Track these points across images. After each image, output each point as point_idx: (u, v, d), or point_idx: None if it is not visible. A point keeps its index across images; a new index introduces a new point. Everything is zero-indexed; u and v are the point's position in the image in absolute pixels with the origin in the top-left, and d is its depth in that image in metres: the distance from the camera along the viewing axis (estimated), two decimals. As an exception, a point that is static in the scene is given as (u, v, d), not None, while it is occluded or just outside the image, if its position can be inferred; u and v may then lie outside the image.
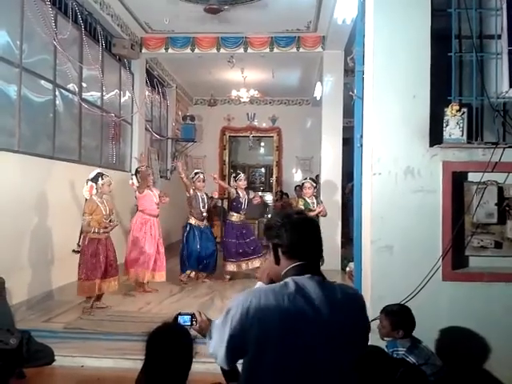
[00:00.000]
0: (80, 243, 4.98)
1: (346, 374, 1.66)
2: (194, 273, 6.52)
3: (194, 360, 1.89)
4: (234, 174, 7.23)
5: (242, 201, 6.81)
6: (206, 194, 6.67)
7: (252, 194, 7.07)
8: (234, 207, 6.85)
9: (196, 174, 6.66)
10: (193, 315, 2.08)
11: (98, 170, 5.25)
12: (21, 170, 4.89)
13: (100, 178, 5.04)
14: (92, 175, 5.08)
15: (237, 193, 6.79)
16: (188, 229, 6.51)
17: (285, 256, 1.75)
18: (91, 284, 4.88)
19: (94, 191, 5.01)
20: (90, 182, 5.03)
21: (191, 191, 6.42)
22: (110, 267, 5.07)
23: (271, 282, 1.82)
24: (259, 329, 1.60)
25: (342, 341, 1.65)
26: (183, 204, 6.95)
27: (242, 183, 6.90)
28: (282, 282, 1.70)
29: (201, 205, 6.44)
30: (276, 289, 1.67)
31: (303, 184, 6.52)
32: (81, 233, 5.07)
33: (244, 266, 6.77)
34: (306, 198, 6.37)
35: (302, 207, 6.19)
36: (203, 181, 6.60)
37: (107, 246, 5.06)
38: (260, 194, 12.73)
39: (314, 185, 6.48)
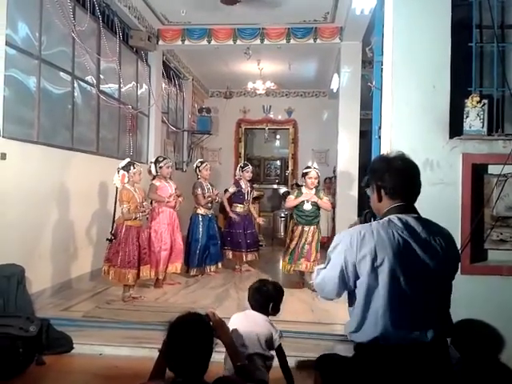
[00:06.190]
0: (113, 232, 5.01)
1: (446, 280, 1.98)
2: (196, 270, 6.37)
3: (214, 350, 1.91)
4: (241, 164, 7.26)
5: (244, 192, 6.87)
6: (211, 184, 6.68)
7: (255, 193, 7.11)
8: (237, 198, 6.90)
9: (202, 162, 6.68)
10: (206, 316, 2.11)
11: (128, 159, 5.25)
12: (40, 160, 4.96)
13: (132, 167, 5.06)
14: (123, 164, 5.08)
15: (238, 186, 6.85)
16: (195, 221, 6.42)
17: (387, 196, 2.00)
18: (127, 272, 4.93)
19: (126, 180, 5.02)
20: (121, 171, 5.02)
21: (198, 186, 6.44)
22: (144, 255, 5.12)
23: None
24: (375, 255, 1.84)
25: (441, 259, 1.90)
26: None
27: (248, 175, 6.97)
28: (386, 219, 1.94)
29: (206, 194, 6.43)
30: (384, 224, 1.91)
31: (307, 173, 5.82)
32: (113, 222, 5.10)
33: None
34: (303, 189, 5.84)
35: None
36: (209, 170, 6.63)
37: (139, 234, 5.10)
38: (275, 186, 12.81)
39: (319, 176, 5.87)
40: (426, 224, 1.96)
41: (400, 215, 1.93)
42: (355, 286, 1.92)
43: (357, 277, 1.89)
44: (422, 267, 1.86)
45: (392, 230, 1.88)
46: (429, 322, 1.88)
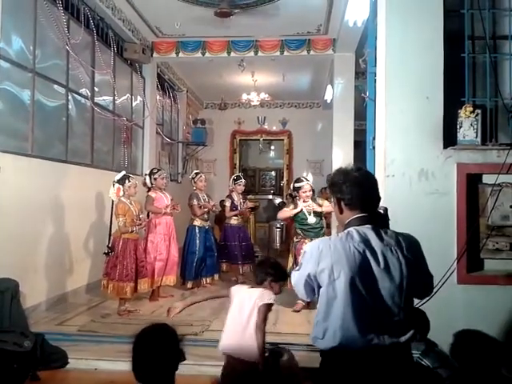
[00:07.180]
0: (110, 245, 4.98)
1: (406, 288, 1.94)
2: (192, 282, 6.32)
3: (192, 362, 1.91)
4: (234, 176, 7.25)
5: (236, 204, 6.86)
6: (207, 195, 6.68)
7: (246, 204, 7.05)
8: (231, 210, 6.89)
9: (197, 174, 6.66)
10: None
11: (123, 172, 5.22)
12: (34, 173, 4.93)
13: (127, 180, 5.05)
14: (118, 177, 5.06)
15: (231, 198, 6.86)
16: (191, 233, 6.39)
17: (347, 208, 2.04)
18: (125, 286, 4.89)
19: (121, 193, 5.01)
20: (116, 184, 5.01)
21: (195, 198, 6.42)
22: (141, 268, 5.09)
23: None
24: (331, 269, 1.91)
25: (398, 269, 1.92)
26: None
27: (240, 188, 6.96)
28: (345, 232, 2.00)
29: (202, 204, 6.40)
30: (342, 238, 1.97)
31: (301, 187, 5.41)
32: (110, 235, 5.06)
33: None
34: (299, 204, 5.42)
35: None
36: (205, 181, 6.61)
37: (136, 247, 5.08)
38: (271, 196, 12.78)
39: (312, 188, 5.53)
40: (383, 235, 1.99)
41: (358, 227, 1.99)
42: (319, 293, 2.03)
43: (319, 286, 2.00)
44: (377, 278, 1.91)
45: (349, 243, 1.94)
46: (388, 328, 1.93)
